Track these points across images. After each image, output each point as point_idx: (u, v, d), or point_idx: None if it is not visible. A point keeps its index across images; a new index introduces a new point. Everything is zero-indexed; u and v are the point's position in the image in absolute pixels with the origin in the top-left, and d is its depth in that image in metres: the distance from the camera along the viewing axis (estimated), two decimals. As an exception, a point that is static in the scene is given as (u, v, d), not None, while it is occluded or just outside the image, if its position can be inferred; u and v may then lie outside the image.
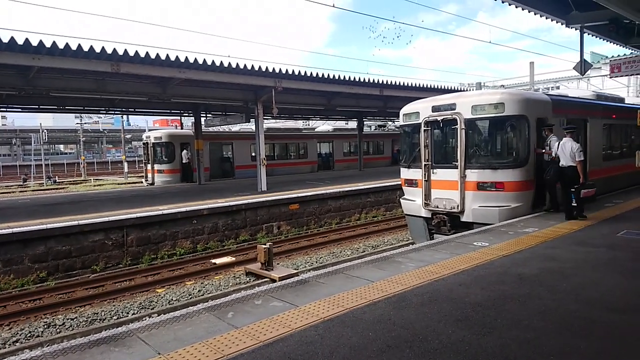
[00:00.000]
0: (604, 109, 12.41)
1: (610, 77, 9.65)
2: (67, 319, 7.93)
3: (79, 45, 10.32)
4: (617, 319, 3.99)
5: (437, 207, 9.87)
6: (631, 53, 14.29)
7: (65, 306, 8.61)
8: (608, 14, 8.52)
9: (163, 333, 3.94)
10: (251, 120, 18.49)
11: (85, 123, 42.58)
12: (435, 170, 9.93)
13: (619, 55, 22.25)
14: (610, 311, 4.16)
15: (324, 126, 35.24)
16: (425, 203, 10.10)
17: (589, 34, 10.15)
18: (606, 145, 12.22)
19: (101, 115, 36.45)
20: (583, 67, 9.31)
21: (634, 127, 9.86)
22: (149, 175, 23.35)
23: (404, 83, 18.59)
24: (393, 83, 18.22)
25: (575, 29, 9.49)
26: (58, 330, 7.58)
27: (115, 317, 8.01)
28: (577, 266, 5.64)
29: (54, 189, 29.31)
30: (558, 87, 32.72)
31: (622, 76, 9.27)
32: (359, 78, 16.98)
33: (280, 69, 14.43)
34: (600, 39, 10.86)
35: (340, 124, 36.87)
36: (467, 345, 3.53)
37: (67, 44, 10.16)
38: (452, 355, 3.37)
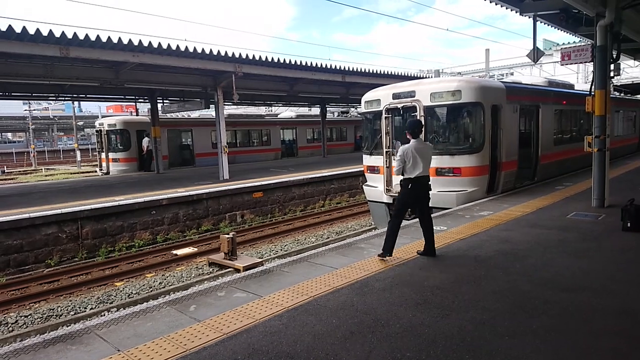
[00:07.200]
0: (555, 95, 12.93)
1: (561, 65, 10.01)
2: (21, 317, 7.59)
3: (24, 28, 9.70)
4: (567, 297, 4.21)
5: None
6: (580, 41, 14.87)
7: (18, 303, 8.23)
8: (559, 3, 8.81)
9: (122, 329, 3.84)
10: (211, 106, 18.06)
11: (34, 110, 40.26)
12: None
13: (569, 43, 23.19)
14: (561, 290, 4.38)
15: (286, 112, 34.97)
16: (386, 189, 10.26)
17: (541, 22, 10.44)
18: (557, 130, 12.76)
19: (51, 102, 34.62)
20: (536, 54, 9.58)
21: (583, 113, 10.34)
22: (104, 164, 22.48)
23: (365, 70, 18.63)
24: (355, 69, 18.21)
25: (529, 17, 9.73)
26: (10, 328, 7.24)
27: (72, 313, 7.73)
28: (529, 248, 5.90)
29: (2, 179, 27.80)
30: (512, 74, 33.70)
31: (572, 64, 9.62)
32: (321, 64, 16.85)
33: (240, 54, 14.11)
34: (552, 27, 11.22)
35: (304, 110, 36.72)
36: (427, 328, 3.64)
37: (9, 26, 9.52)
38: (413, 339, 3.47)
